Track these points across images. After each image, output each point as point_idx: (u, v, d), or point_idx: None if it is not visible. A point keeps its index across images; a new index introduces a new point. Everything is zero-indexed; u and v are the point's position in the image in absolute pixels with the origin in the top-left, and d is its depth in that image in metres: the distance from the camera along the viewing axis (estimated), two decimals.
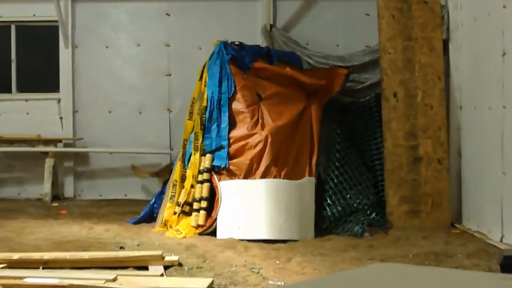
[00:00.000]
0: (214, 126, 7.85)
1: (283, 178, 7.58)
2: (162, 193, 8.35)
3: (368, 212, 7.90)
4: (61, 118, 10.16)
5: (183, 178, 7.91)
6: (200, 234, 7.42)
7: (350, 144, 8.33)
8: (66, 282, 4.94)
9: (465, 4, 8.19)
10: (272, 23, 9.75)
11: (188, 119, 8.22)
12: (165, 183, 8.52)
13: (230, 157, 7.68)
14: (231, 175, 7.62)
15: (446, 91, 8.28)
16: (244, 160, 7.64)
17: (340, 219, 7.78)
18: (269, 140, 7.69)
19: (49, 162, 9.76)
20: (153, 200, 8.38)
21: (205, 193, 7.59)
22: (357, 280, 3.40)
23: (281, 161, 7.70)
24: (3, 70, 10.26)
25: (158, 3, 10.14)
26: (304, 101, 8.23)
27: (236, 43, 8.42)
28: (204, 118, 7.92)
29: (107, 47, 10.17)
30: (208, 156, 7.72)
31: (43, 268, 5.60)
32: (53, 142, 9.97)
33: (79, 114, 10.17)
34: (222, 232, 7.29)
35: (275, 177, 7.57)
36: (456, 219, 8.18)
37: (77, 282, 4.96)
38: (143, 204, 8.70)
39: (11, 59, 10.24)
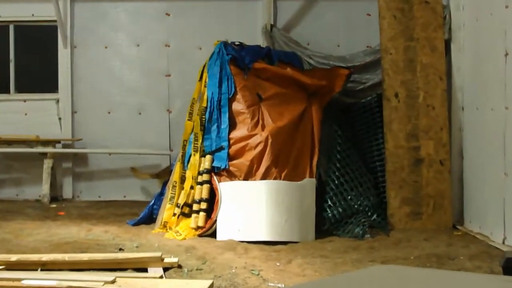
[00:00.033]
0: (214, 127, 7.82)
1: (284, 179, 7.54)
2: (161, 194, 8.32)
3: (369, 213, 7.87)
4: (59, 118, 10.13)
5: (182, 179, 7.87)
6: (199, 235, 7.38)
7: (351, 145, 8.30)
8: (65, 284, 4.94)
9: (467, 4, 8.16)
10: (272, 23, 9.72)
11: (188, 120, 8.18)
12: (164, 184, 8.49)
13: (230, 158, 7.65)
14: (231, 176, 7.59)
15: (448, 92, 8.25)
16: (244, 161, 7.61)
17: (341, 220, 7.75)
18: (270, 141, 7.66)
19: (47, 163, 9.72)
20: (153, 201, 8.36)
21: (205, 195, 7.55)
22: (358, 282, 3.35)
23: (282, 162, 7.66)
24: (1, 70, 10.23)
25: (158, 3, 10.11)
26: (305, 102, 8.20)
27: (237, 43, 8.39)
28: (204, 119, 7.88)
29: (106, 47, 10.13)
30: (208, 157, 7.69)
31: (41, 270, 5.57)
32: (52, 143, 9.94)
33: (78, 115, 10.13)
34: (222, 234, 7.25)
35: (275, 178, 7.53)
36: (458, 221, 8.15)
37: (76, 284, 4.95)
38: (142, 205, 8.67)
39: (9, 59, 10.21)
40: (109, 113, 10.13)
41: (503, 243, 6.91)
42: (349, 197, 7.89)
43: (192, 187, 7.69)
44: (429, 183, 8.05)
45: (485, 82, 7.53)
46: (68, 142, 10.12)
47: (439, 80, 8.15)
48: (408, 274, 3.56)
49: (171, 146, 10.00)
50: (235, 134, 7.80)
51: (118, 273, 5.48)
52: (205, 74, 8.13)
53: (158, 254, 5.94)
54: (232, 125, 7.85)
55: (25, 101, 10.20)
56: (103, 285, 4.94)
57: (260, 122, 7.89)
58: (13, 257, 5.74)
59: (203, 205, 7.52)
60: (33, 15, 10.12)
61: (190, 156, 7.86)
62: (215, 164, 7.64)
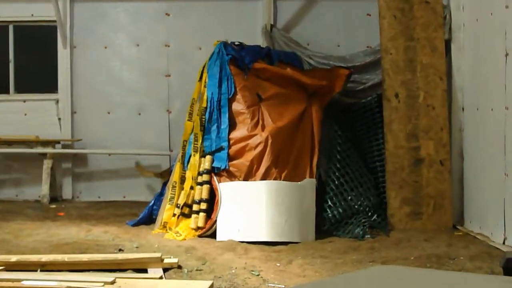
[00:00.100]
0: (214, 127, 7.81)
1: (284, 180, 7.53)
2: (161, 194, 8.31)
3: (370, 214, 7.86)
4: (59, 119, 10.12)
5: (182, 180, 7.86)
6: (199, 236, 7.37)
7: (351, 145, 8.29)
8: (64, 284, 4.93)
9: (467, 4, 8.15)
10: (272, 23, 9.71)
11: (188, 120, 8.17)
12: (164, 185, 8.48)
13: (230, 158, 7.64)
14: (231, 176, 7.58)
15: (448, 92, 8.24)
16: (244, 161, 7.60)
17: (341, 221, 7.74)
18: (270, 141, 7.65)
19: (47, 164, 9.72)
20: (152, 201, 8.35)
21: (204, 195, 7.54)
22: (358, 282, 3.36)
23: (282, 163, 7.65)
24: (0, 71, 10.22)
25: (158, 3, 10.10)
26: (305, 102, 8.19)
27: (236, 43, 8.38)
28: (203, 119, 7.87)
29: (106, 48, 10.12)
30: (208, 157, 7.68)
31: (41, 271, 5.56)
32: (51, 143, 9.92)
33: (77, 115, 10.12)
34: (222, 234, 7.23)
35: (275, 178, 7.52)
36: (458, 221, 8.14)
37: (75, 284, 4.94)
38: (142, 205, 8.66)
39: (8, 60, 10.19)
40: (108, 113, 10.12)
41: (504, 243, 6.90)
42: (349, 198, 7.88)
43: (192, 188, 7.68)
44: (429, 183, 8.04)
45: (485, 82, 7.52)
46: (67, 142, 10.11)
47: (439, 80, 8.14)
48: (408, 274, 3.56)
49: (171, 146, 9.99)
50: (235, 134, 7.79)
51: (117, 273, 5.47)
52: (205, 74, 8.12)
53: (157, 254, 5.93)
54: (232, 126, 7.84)
55: (24, 101, 10.19)
56: (103, 285, 4.94)
57: (260, 122, 7.88)
58: (13, 258, 5.73)
59: (203, 206, 7.51)
60: (32, 15, 10.10)
61: (190, 156, 7.85)
62: (215, 164, 7.63)
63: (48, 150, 9.80)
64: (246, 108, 7.90)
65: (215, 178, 7.57)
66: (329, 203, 7.80)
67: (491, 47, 7.33)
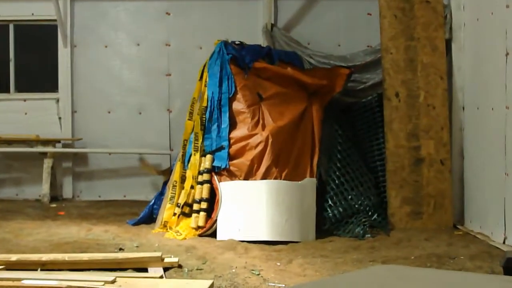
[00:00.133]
0: (215, 127, 7.80)
1: (284, 179, 7.53)
2: (161, 194, 8.30)
3: (370, 213, 7.86)
4: (59, 118, 10.11)
5: (183, 179, 7.86)
6: (200, 235, 7.37)
7: (351, 144, 8.28)
8: (65, 284, 4.93)
9: (468, 4, 8.14)
10: (273, 22, 9.70)
11: (188, 120, 8.17)
12: (164, 184, 8.48)
13: (231, 157, 7.63)
14: (232, 176, 7.57)
15: (448, 92, 8.23)
16: (244, 160, 7.60)
17: (342, 220, 7.74)
18: (270, 140, 7.64)
19: (47, 163, 9.71)
20: (153, 201, 8.34)
21: (205, 194, 7.54)
22: (358, 282, 3.35)
23: (282, 162, 7.65)
24: (1, 70, 10.21)
25: (158, 2, 10.09)
26: (306, 101, 8.18)
27: (237, 42, 8.37)
28: (204, 119, 7.87)
29: (106, 47, 10.12)
30: (208, 156, 7.67)
31: (41, 270, 5.56)
32: (52, 142, 9.92)
33: (78, 114, 10.12)
34: (222, 234, 7.23)
35: (276, 178, 7.52)
36: (458, 221, 8.14)
37: (76, 284, 4.94)
38: (142, 205, 8.66)
39: (9, 59, 10.19)
40: (109, 112, 10.12)
41: (504, 243, 6.90)
42: (350, 197, 7.87)
43: (192, 187, 7.68)
44: (430, 183, 8.04)
45: (486, 82, 7.52)
46: (68, 141, 10.11)
47: (439, 80, 8.14)
48: (408, 274, 3.56)
49: (171, 145, 9.99)
50: (236, 133, 7.79)
51: (118, 273, 5.47)
52: (205, 74, 8.11)
53: (158, 254, 5.93)
54: (233, 125, 7.84)
55: (25, 100, 10.19)
56: (103, 285, 4.93)
57: (261, 121, 7.87)
58: (13, 257, 5.73)
59: (204, 205, 7.51)
60: (33, 14, 10.10)
61: (190, 155, 7.85)
62: (216, 163, 7.63)
63: (49, 149, 9.80)
64: (246, 107, 7.90)
65: (215, 178, 7.57)
66: (330, 202, 7.80)
67: (491, 47, 7.32)
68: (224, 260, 6.22)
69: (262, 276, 5.68)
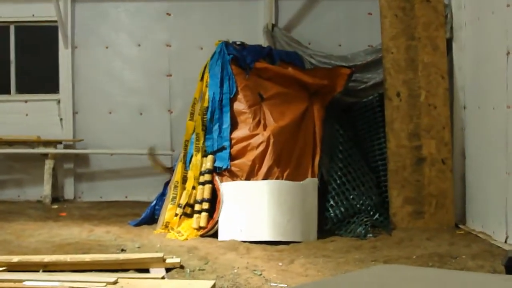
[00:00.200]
0: (216, 127, 7.80)
1: (286, 179, 7.53)
2: (163, 194, 8.30)
3: (372, 213, 7.85)
4: (61, 119, 10.12)
5: (184, 180, 7.86)
6: (201, 236, 7.37)
7: (353, 144, 8.28)
8: (67, 285, 4.92)
9: (468, 3, 8.13)
10: (274, 22, 9.71)
11: (189, 120, 8.17)
12: (166, 185, 8.47)
13: (232, 158, 7.63)
14: (233, 176, 7.57)
15: (449, 91, 8.23)
16: (246, 161, 7.59)
17: (343, 220, 7.74)
18: (271, 140, 7.64)
19: (49, 164, 9.72)
20: (154, 201, 8.34)
21: (206, 195, 7.54)
22: (360, 281, 3.36)
23: (284, 162, 7.65)
24: (2, 71, 10.22)
25: (159, 3, 10.10)
26: (307, 101, 8.18)
27: (238, 43, 8.38)
28: (205, 119, 7.87)
29: (107, 48, 10.12)
30: (210, 157, 7.67)
31: (43, 271, 5.55)
32: (53, 143, 9.93)
33: (79, 115, 10.12)
34: (224, 234, 7.23)
35: (277, 178, 7.52)
36: (460, 220, 8.13)
37: (78, 285, 4.93)
38: (144, 206, 8.66)
39: (10, 60, 10.20)
40: (110, 113, 10.13)
41: (506, 242, 6.88)
42: (351, 197, 7.87)
43: (194, 187, 7.68)
44: (431, 182, 8.03)
45: (487, 81, 7.51)
46: (69, 142, 10.11)
47: (440, 79, 8.13)
48: (410, 273, 3.56)
49: (172, 146, 9.99)
50: (237, 134, 7.79)
51: (120, 274, 5.46)
52: (206, 74, 8.12)
53: (160, 254, 5.92)
54: (234, 125, 7.84)
55: (26, 101, 10.19)
56: (105, 286, 4.92)
57: (262, 121, 7.88)
58: (15, 258, 5.72)
59: (205, 205, 7.51)
60: (33, 15, 10.11)
61: (191, 156, 7.85)
62: (217, 164, 7.63)
63: (50, 150, 9.81)
64: (247, 107, 7.90)
65: (217, 178, 7.57)
66: (331, 202, 7.80)
67: (492, 46, 7.31)
68: (226, 261, 6.22)
69: (264, 277, 5.68)
